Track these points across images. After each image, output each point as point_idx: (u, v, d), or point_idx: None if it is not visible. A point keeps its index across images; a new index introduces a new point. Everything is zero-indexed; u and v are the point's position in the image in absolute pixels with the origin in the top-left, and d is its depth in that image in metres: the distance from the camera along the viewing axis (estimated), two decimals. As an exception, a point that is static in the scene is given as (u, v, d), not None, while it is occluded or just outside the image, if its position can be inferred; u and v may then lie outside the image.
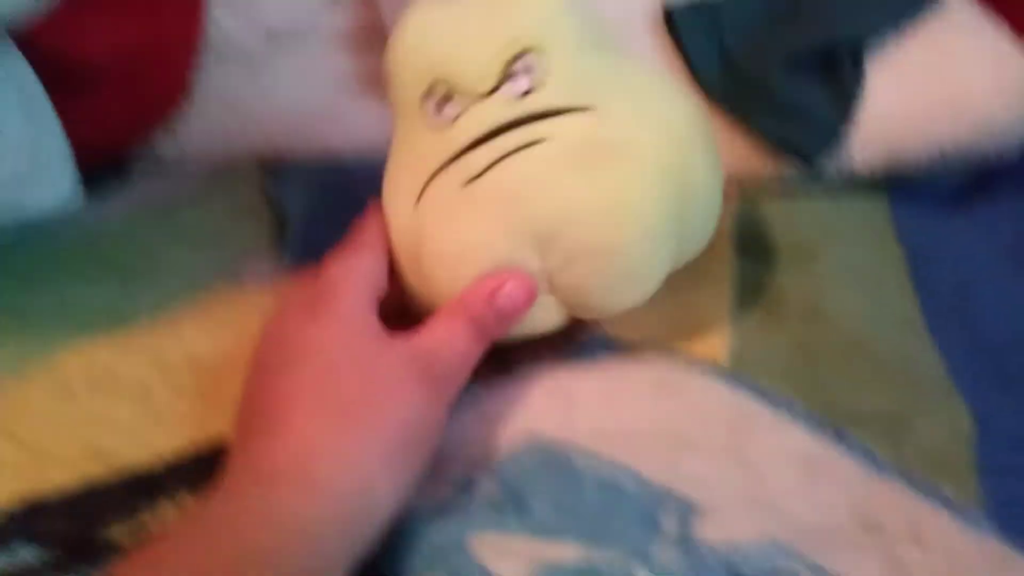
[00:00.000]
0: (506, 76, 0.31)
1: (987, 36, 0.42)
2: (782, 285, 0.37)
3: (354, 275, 0.31)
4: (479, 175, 0.30)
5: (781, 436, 0.29)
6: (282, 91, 0.54)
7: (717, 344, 0.34)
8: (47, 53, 0.47)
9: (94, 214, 0.47)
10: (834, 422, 0.30)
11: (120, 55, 0.51)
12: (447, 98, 0.31)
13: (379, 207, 0.35)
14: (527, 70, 0.31)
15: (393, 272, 0.34)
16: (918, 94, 0.40)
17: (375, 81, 0.56)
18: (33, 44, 0.46)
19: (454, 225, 0.31)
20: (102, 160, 0.54)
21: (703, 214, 0.33)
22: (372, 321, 0.29)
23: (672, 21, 0.44)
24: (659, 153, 0.30)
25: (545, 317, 0.32)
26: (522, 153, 0.30)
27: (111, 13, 0.51)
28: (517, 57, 0.31)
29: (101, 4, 0.50)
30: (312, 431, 0.26)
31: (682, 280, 0.33)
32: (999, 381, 0.32)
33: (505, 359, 0.33)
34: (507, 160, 0.30)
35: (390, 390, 0.27)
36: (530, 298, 0.31)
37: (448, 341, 0.29)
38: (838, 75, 0.41)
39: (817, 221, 0.40)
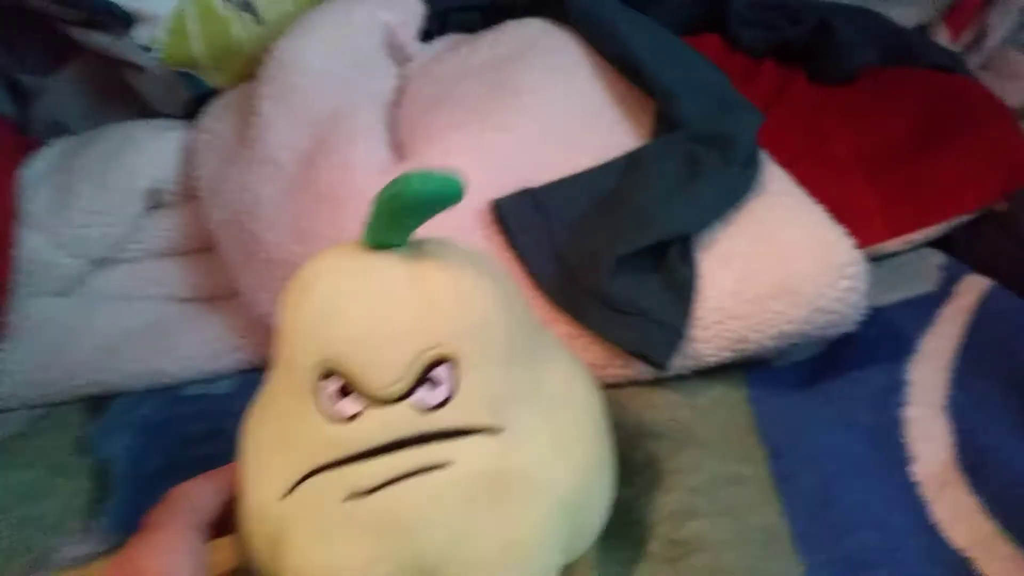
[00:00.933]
0: (417, 384, 0.27)
1: (808, 218, 0.41)
2: (646, 512, 0.34)
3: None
4: (366, 493, 0.27)
5: None
6: (105, 316, 0.51)
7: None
8: None
9: None
10: None
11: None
12: (346, 391, 0.27)
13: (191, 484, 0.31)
14: (440, 381, 0.27)
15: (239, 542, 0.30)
16: (749, 280, 0.40)
17: (204, 294, 0.52)
18: None
19: (329, 546, 0.27)
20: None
21: (595, 527, 0.31)
22: None
23: (499, 214, 0.42)
24: (563, 488, 0.29)
25: None
26: (417, 480, 0.27)
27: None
28: (433, 365, 0.27)
29: None
30: None
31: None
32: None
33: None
34: (400, 484, 0.27)
35: None
36: None
37: None
38: (671, 271, 0.40)
39: (678, 426, 0.38)
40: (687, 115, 0.43)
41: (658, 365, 0.39)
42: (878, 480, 0.36)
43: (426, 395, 0.27)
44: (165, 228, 0.52)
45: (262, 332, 0.49)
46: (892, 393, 0.40)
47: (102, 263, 0.52)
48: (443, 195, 0.26)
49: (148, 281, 0.52)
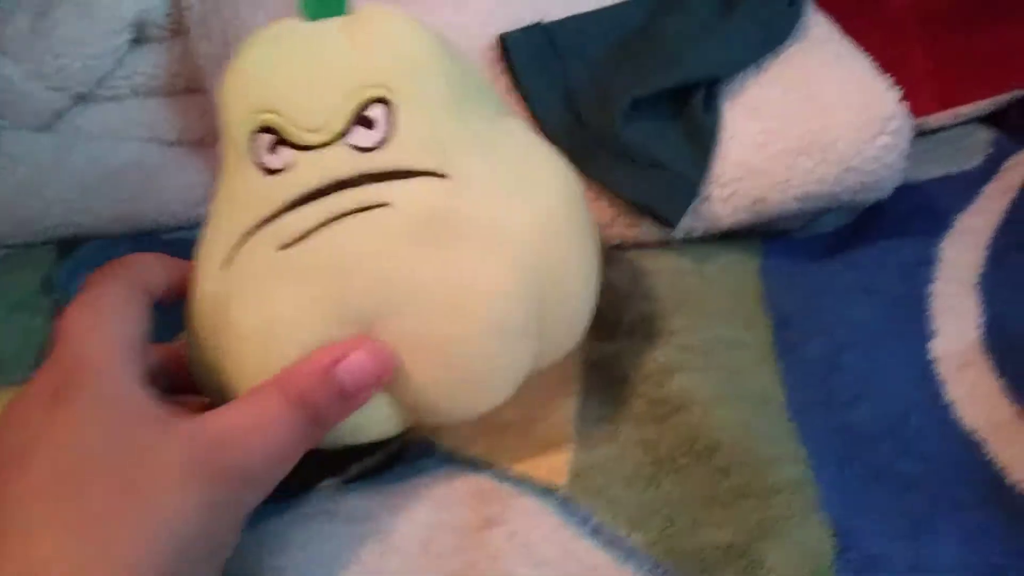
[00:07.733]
0: (350, 125, 0.26)
1: (852, 67, 0.37)
2: (630, 370, 0.32)
3: (105, 332, 0.24)
4: (300, 239, 0.25)
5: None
6: (85, 155, 0.48)
7: (558, 455, 0.29)
8: None
9: None
10: (677, 566, 0.24)
11: None
12: (278, 142, 0.26)
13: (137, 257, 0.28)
14: (376, 122, 0.26)
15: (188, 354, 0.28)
16: (778, 132, 0.36)
17: (191, 138, 0.49)
18: None
19: (262, 302, 0.25)
20: None
21: (571, 312, 0.28)
22: (140, 395, 0.23)
23: (506, 50, 0.39)
24: (521, 236, 0.26)
25: (377, 418, 0.26)
26: (355, 217, 0.25)
27: None
28: (366, 105, 0.26)
29: None
30: (44, 552, 0.20)
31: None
32: (865, 478, 0.27)
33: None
34: (336, 224, 0.25)
35: (159, 494, 0.21)
36: (387, 369, 0.25)
37: (257, 426, 0.23)
38: (692, 119, 0.36)
39: (676, 289, 0.35)
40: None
41: (667, 223, 0.36)
42: (890, 354, 0.32)
43: (361, 135, 0.26)
44: (152, 65, 0.49)
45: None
46: (921, 267, 0.36)
47: (85, 99, 0.49)
48: None
49: (133, 121, 0.49)
